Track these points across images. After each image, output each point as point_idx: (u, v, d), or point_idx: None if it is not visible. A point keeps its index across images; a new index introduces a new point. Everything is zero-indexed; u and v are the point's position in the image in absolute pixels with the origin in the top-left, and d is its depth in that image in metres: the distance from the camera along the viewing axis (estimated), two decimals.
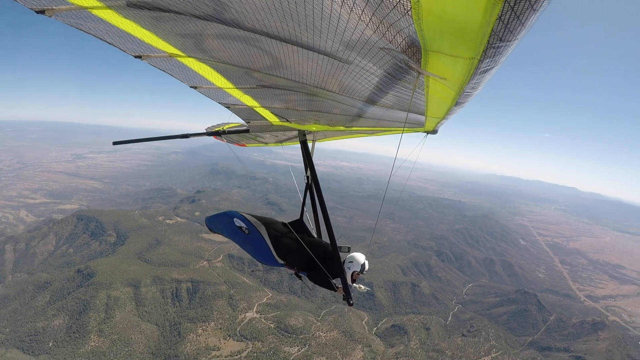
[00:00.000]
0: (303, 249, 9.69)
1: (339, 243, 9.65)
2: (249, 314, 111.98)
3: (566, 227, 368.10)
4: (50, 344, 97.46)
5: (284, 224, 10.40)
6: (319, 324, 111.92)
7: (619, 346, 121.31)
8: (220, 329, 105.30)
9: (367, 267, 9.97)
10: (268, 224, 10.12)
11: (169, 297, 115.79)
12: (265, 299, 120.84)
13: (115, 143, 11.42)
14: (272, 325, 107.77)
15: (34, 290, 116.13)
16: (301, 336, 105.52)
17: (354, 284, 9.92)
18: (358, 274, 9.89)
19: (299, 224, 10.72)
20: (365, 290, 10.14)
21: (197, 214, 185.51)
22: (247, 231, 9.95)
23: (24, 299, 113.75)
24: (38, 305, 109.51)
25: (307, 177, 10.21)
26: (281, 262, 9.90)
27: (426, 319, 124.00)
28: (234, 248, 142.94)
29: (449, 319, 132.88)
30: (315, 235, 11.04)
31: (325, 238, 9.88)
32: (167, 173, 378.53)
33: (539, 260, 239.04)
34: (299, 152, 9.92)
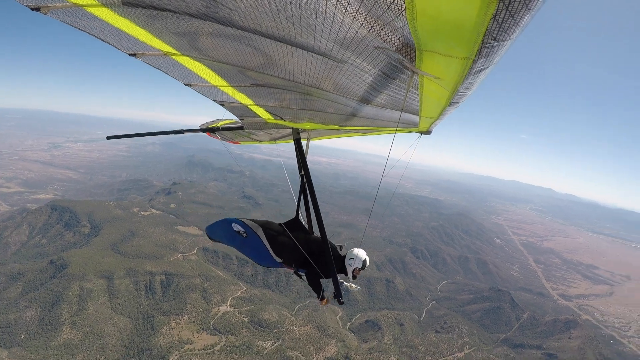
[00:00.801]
0: (303, 247, 9.68)
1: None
2: (223, 308, 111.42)
3: (541, 226, 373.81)
4: (22, 336, 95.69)
5: (279, 225, 10.32)
6: (292, 318, 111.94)
7: (591, 344, 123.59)
8: (194, 322, 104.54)
9: (367, 263, 10.04)
10: (264, 225, 10.08)
11: (143, 289, 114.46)
12: (239, 292, 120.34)
13: (109, 137, 11.01)
14: (245, 319, 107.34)
15: (6, 281, 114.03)
16: (275, 330, 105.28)
17: (346, 283, 9.94)
18: (359, 271, 9.96)
19: (294, 223, 10.58)
20: (357, 289, 10.18)
21: (172, 206, 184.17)
22: (245, 234, 9.89)
23: None
24: (10, 297, 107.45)
25: (302, 175, 10.12)
26: (279, 260, 9.83)
27: (400, 315, 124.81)
28: (209, 241, 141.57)
29: (423, 315, 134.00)
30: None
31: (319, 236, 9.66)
32: (144, 164, 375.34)
33: (513, 259, 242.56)
34: (291, 148, 9.87)
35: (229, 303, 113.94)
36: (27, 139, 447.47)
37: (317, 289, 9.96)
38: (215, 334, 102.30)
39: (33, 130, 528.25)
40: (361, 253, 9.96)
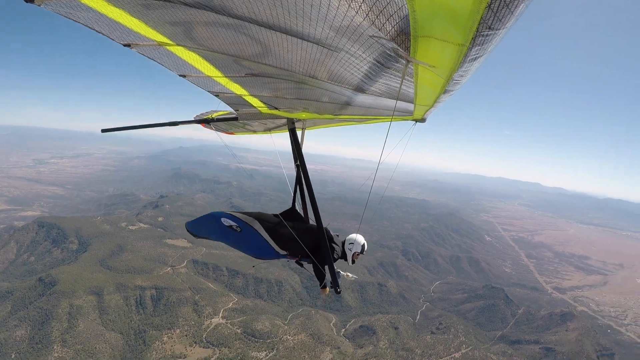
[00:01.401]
0: (304, 236, 9.58)
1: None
2: (215, 320, 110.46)
3: (531, 221, 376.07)
4: (13, 356, 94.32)
5: (275, 215, 10.13)
6: (286, 327, 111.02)
7: (589, 335, 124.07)
8: (186, 335, 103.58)
9: (366, 247, 10.31)
10: (259, 218, 9.85)
11: (133, 304, 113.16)
12: (230, 303, 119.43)
13: (104, 130, 11.00)
14: (238, 331, 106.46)
15: None
16: (268, 340, 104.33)
17: (342, 273, 10.00)
18: (358, 254, 10.21)
19: (292, 213, 10.50)
20: (353, 279, 10.36)
21: (160, 219, 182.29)
22: (238, 229, 9.62)
23: None
24: None
25: (297, 165, 10.12)
26: (283, 253, 9.77)
27: (394, 319, 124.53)
28: (198, 253, 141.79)
29: (418, 317, 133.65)
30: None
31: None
32: (130, 178, 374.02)
33: (505, 255, 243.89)
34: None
35: (221, 315, 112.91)
36: (11, 155, 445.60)
37: (321, 277, 9.96)
38: (209, 347, 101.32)
39: (17, 147, 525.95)
40: (360, 238, 10.23)
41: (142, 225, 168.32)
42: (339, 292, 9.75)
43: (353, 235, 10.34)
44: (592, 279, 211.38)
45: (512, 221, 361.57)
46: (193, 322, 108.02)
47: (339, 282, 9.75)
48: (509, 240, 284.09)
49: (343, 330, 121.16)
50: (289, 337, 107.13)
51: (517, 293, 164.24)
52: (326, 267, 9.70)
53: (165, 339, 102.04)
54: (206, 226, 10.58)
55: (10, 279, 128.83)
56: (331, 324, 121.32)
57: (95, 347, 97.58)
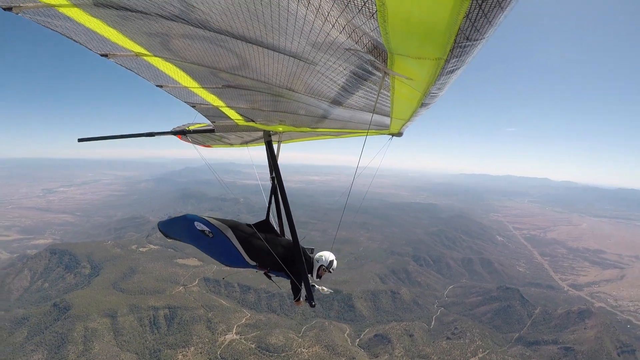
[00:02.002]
0: (277, 250, 9.73)
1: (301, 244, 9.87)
2: (229, 336, 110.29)
3: (542, 218, 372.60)
4: None
5: (249, 225, 10.27)
6: (300, 340, 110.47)
7: (608, 332, 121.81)
8: (201, 353, 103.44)
9: (334, 265, 10.31)
10: (234, 226, 9.89)
11: (147, 325, 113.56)
12: (244, 319, 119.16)
13: (80, 140, 10.78)
14: (252, 346, 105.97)
15: (11, 326, 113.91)
16: (283, 354, 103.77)
17: (317, 286, 10.07)
18: (324, 270, 10.17)
19: (265, 225, 10.63)
20: (329, 293, 10.42)
21: (170, 240, 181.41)
22: (210, 235, 9.66)
23: (1, 337, 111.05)
24: (16, 342, 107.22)
25: (273, 178, 10.35)
26: (253, 263, 9.80)
27: (409, 326, 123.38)
28: (209, 271, 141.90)
29: (432, 323, 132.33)
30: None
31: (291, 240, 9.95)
32: (138, 201, 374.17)
33: (518, 254, 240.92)
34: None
35: (234, 331, 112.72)
36: (21, 187, 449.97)
37: (296, 290, 9.94)
38: None
39: (26, 178, 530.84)
40: (328, 254, 10.30)
41: (152, 246, 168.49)
42: (314, 305, 9.80)
43: (323, 252, 10.41)
44: (609, 274, 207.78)
45: (523, 219, 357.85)
46: (207, 340, 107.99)
47: (314, 296, 9.79)
48: (521, 238, 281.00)
49: (357, 340, 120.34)
50: (303, 349, 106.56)
51: (533, 292, 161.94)
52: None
53: (180, 357, 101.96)
54: (179, 228, 10.67)
55: (26, 305, 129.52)
56: (345, 335, 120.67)
57: None
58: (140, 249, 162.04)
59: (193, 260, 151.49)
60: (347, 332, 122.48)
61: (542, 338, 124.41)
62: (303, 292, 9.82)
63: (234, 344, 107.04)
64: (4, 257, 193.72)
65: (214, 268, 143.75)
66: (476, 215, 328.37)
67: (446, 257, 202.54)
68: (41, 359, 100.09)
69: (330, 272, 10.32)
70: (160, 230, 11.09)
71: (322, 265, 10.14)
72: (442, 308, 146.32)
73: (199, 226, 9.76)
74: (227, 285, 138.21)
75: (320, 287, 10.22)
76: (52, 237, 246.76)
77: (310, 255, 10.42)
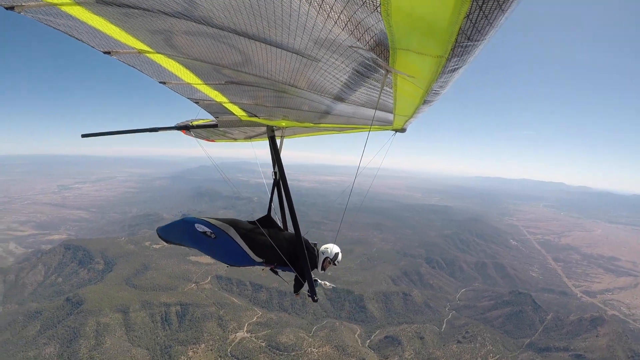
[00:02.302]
0: (281, 244, 9.67)
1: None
2: (240, 334, 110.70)
3: (556, 223, 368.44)
4: None
5: (250, 222, 10.21)
6: (310, 339, 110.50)
7: (620, 340, 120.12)
8: (211, 350, 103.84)
9: (339, 258, 10.39)
10: (235, 224, 9.84)
11: (159, 321, 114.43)
12: (255, 317, 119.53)
13: (83, 136, 11.01)
14: (263, 344, 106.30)
15: (24, 320, 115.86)
16: (293, 353, 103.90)
17: (320, 281, 10.19)
18: (329, 262, 10.25)
19: (267, 220, 10.57)
20: (331, 287, 10.40)
21: (171, 245, 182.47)
22: (213, 235, 9.55)
23: (15, 329, 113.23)
24: (29, 335, 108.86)
25: (275, 172, 10.34)
26: (259, 260, 9.74)
27: (420, 328, 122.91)
28: (222, 269, 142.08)
29: (443, 326, 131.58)
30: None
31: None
32: (153, 199, 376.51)
33: (531, 259, 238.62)
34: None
35: (245, 329, 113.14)
36: (37, 183, 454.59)
37: (299, 285, 10.29)
38: None
39: (42, 175, 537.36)
40: (334, 247, 10.34)
41: (165, 243, 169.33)
42: (316, 300, 9.92)
43: (329, 245, 10.44)
44: (623, 281, 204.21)
45: (537, 224, 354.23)
46: (218, 337, 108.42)
47: (316, 290, 9.87)
48: (535, 243, 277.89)
49: (368, 341, 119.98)
50: (313, 349, 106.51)
51: (545, 298, 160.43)
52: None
53: (190, 353, 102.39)
54: (178, 232, 10.57)
55: (39, 299, 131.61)
56: (356, 335, 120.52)
57: None
58: (154, 246, 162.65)
59: (206, 258, 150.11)
60: (358, 332, 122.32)
61: (553, 345, 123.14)
62: (306, 286, 9.93)
63: (244, 342, 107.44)
64: (19, 252, 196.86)
65: (227, 266, 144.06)
66: (491, 219, 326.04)
67: (459, 260, 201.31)
68: (53, 352, 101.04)
69: (335, 264, 10.36)
70: (159, 237, 10.96)
71: (327, 257, 10.18)
72: (454, 311, 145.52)
73: (200, 228, 9.69)
74: (239, 283, 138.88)
75: (322, 282, 10.28)
76: (66, 232, 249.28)
77: (314, 248, 10.35)
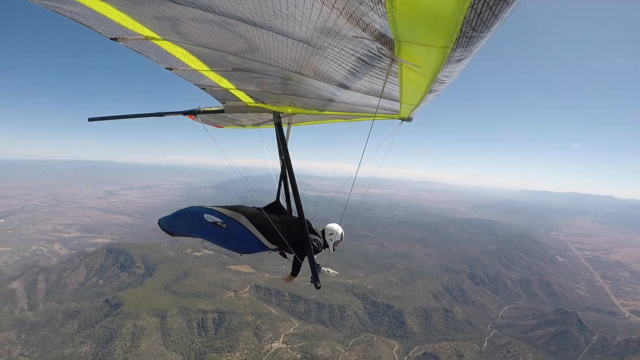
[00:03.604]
0: (293, 229, 9.68)
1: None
2: (275, 344, 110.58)
3: (605, 238, 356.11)
4: None
5: (258, 209, 10.27)
6: (346, 353, 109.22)
7: None
8: (246, 359, 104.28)
9: (344, 235, 10.72)
10: (246, 212, 9.80)
11: (195, 327, 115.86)
12: (292, 328, 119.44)
13: (90, 119, 10.88)
14: (298, 356, 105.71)
15: (63, 318, 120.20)
16: None
17: (323, 268, 10.17)
18: (338, 243, 10.54)
19: (276, 206, 10.79)
20: (334, 275, 10.62)
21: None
22: (224, 225, 9.46)
23: (53, 326, 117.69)
24: (67, 333, 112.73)
25: (282, 160, 10.24)
26: (273, 247, 9.71)
27: (459, 346, 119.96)
28: (261, 279, 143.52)
29: (484, 345, 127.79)
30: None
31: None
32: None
33: (578, 276, 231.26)
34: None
35: (281, 340, 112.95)
36: (85, 188, 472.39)
37: (297, 269, 9.92)
38: None
39: (89, 180, 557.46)
40: (337, 227, 10.59)
41: (206, 251, 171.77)
42: (319, 287, 9.57)
43: (332, 225, 10.66)
44: None
45: (585, 239, 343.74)
46: (253, 346, 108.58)
47: (319, 277, 9.61)
48: (583, 260, 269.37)
49: (406, 357, 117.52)
50: None
51: (592, 318, 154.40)
52: (306, 260, 9.60)
53: None
54: (185, 223, 10.19)
55: (79, 299, 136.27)
56: (394, 351, 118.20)
57: None
58: (195, 254, 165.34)
59: (246, 267, 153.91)
60: (396, 348, 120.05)
61: None
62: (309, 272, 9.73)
63: (279, 352, 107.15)
64: (63, 253, 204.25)
65: (266, 276, 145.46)
66: (537, 234, 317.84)
67: (503, 277, 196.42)
68: (89, 351, 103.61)
69: (341, 241, 10.64)
70: (162, 228, 10.52)
71: (336, 240, 10.47)
72: (496, 329, 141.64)
73: (210, 218, 9.50)
74: (277, 293, 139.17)
75: (326, 269, 10.35)
76: (110, 236, 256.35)
77: (317, 233, 10.48)
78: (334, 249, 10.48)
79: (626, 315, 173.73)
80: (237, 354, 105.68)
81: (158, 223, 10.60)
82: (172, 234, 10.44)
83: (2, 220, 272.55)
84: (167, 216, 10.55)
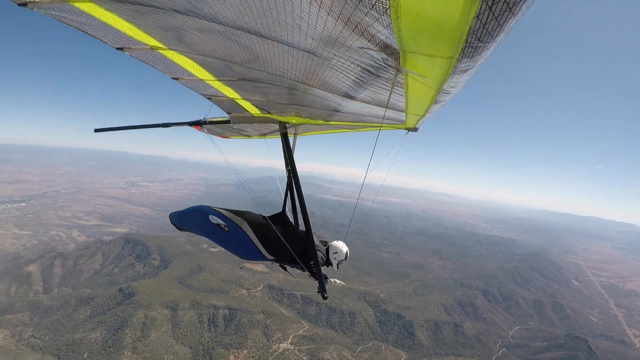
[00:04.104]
0: (293, 242, 9.64)
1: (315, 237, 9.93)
2: (283, 345, 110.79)
3: (623, 266, 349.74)
4: (85, 356, 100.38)
5: (263, 218, 10.23)
6: None
7: None
8: (253, 357, 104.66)
9: (348, 254, 10.43)
10: (249, 219, 9.92)
11: (205, 322, 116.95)
12: (301, 330, 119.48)
13: (96, 130, 11.12)
14: (304, 358, 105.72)
15: (76, 304, 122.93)
16: None
17: (330, 279, 10.27)
18: (342, 261, 10.32)
19: (281, 217, 10.64)
20: (340, 285, 10.56)
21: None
22: (226, 228, 9.73)
23: (66, 311, 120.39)
24: (79, 318, 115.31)
25: (288, 170, 10.18)
26: (270, 257, 9.83)
27: None
28: (275, 279, 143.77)
29: None
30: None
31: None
32: (215, 204, 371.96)
33: (592, 302, 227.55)
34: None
35: (289, 341, 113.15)
36: (107, 177, 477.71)
37: (321, 284, 9.91)
38: None
39: (111, 170, 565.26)
40: (342, 246, 10.37)
41: (222, 248, 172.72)
42: (326, 298, 9.85)
43: (337, 244, 10.46)
44: None
45: (603, 265, 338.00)
46: (261, 345, 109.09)
47: (326, 288, 9.84)
48: (598, 286, 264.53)
49: None
50: None
51: (602, 345, 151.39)
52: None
53: (231, 358, 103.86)
54: (192, 221, 10.69)
55: (94, 286, 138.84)
56: None
57: (164, 358, 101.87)
58: (211, 249, 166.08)
59: (260, 266, 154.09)
60: (403, 358, 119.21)
61: None
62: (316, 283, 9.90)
63: (286, 353, 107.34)
64: (81, 240, 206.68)
65: (280, 276, 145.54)
66: (554, 255, 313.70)
67: (517, 296, 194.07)
68: (99, 337, 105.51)
69: (345, 260, 10.43)
70: (172, 223, 11.10)
71: (340, 259, 10.24)
72: (505, 349, 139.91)
73: (214, 220, 9.83)
74: (290, 294, 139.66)
75: (333, 280, 10.37)
76: (129, 226, 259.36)
77: (321, 248, 10.31)
78: (337, 267, 10.43)
79: (637, 345, 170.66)
80: (245, 351, 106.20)
81: (169, 217, 11.19)
82: (180, 229, 11.04)
83: (24, 204, 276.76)
84: (178, 211, 11.07)
